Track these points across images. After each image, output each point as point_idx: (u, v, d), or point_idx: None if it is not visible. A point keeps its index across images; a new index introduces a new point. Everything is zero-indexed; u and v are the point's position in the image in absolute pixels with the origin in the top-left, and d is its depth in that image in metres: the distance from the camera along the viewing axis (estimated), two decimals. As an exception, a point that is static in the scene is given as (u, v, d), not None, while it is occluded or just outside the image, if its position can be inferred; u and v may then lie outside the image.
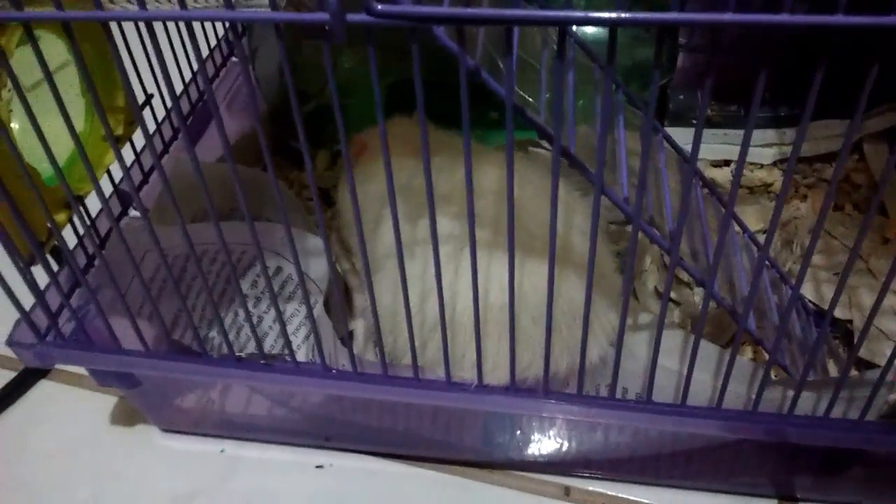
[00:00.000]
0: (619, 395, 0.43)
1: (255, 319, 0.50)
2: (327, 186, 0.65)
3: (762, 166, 0.65)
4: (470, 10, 0.26)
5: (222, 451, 0.50)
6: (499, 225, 0.39)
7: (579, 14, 0.25)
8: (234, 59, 0.66)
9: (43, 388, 0.56)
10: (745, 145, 0.29)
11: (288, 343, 0.40)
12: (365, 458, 0.49)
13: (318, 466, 0.49)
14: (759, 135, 0.66)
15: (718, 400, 0.38)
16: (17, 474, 0.50)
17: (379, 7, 0.26)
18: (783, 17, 0.24)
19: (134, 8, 0.30)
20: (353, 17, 0.26)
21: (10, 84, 0.35)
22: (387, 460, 0.49)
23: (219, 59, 0.66)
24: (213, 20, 0.29)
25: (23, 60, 0.39)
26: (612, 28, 0.26)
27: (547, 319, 0.35)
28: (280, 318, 0.39)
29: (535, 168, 0.44)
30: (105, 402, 0.54)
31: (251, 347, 0.49)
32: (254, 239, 0.36)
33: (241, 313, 0.48)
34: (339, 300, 0.39)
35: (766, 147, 0.66)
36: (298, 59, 0.62)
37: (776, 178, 0.64)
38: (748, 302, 0.35)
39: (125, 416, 0.53)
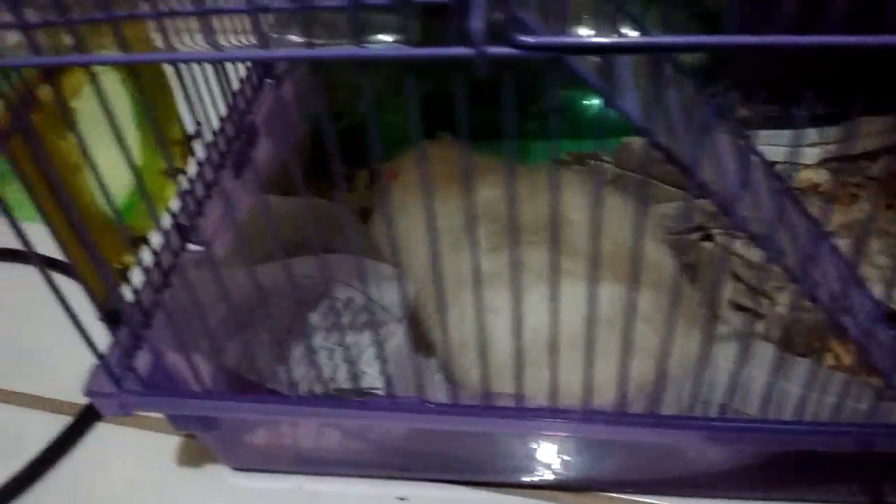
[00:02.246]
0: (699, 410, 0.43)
1: (325, 353, 0.49)
2: (369, 205, 0.64)
3: (807, 166, 0.65)
4: (617, 40, 0.25)
5: (299, 487, 0.49)
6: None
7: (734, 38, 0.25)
8: (268, 80, 0.64)
9: (100, 430, 0.54)
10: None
11: (384, 374, 0.39)
12: (447, 487, 0.48)
13: (400, 499, 0.48)
14: (799, 136, 0.66)
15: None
16: (85, 524, 0.49)
17: (530, 40, 0.25)
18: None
19: (204, 48, 0.29)
20: (495, 50, 0.25)
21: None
22: (470, 488, 0.48)
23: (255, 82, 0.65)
24: (292, 59, 0.28)
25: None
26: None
27: (625, 342, 0.34)
28: (379, 350, 0.38)
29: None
30: (169, 441, 0.52)
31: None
32: (324, 274, 0.35)
33: (314, 347, 0.47)
34: (409, 334, 0.38)
35: (810, 147, 0.66)
36: (328, 79, 0.61)
37: (824, 177, 0.63)
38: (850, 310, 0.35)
39: (192, 456, 0.51)
